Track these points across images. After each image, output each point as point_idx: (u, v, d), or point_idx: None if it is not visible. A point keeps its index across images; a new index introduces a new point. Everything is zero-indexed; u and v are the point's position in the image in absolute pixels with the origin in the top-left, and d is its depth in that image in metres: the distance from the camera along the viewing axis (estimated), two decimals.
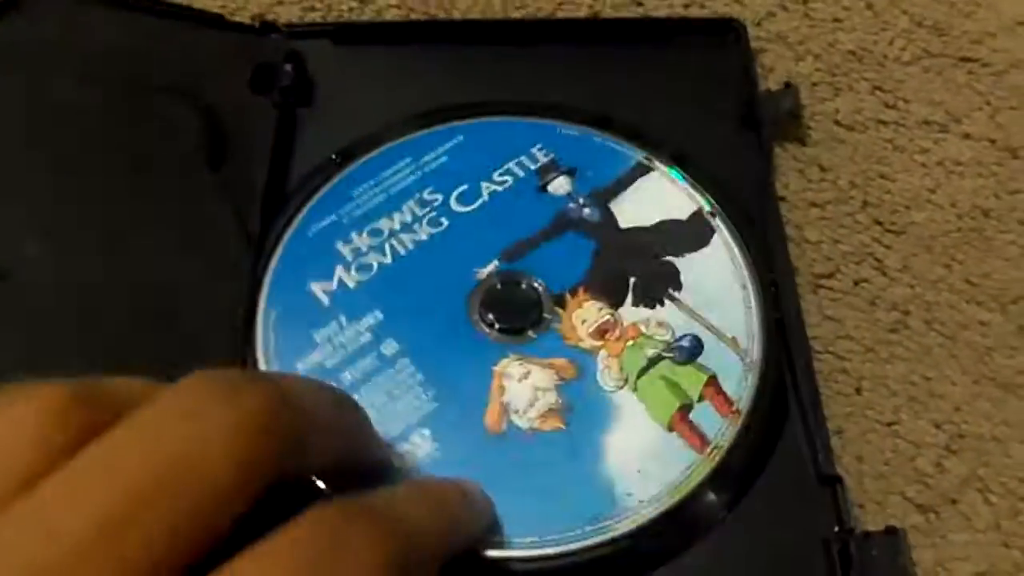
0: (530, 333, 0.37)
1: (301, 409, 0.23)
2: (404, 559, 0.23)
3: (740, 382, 0.36)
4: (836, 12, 0.48)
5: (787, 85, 0.44)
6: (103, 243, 0.38)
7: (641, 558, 0.33)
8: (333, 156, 0.42)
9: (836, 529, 0.34)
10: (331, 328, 0.37)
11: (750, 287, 0.38)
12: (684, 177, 0.41)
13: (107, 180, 0.40)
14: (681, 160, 0.42)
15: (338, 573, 0.21)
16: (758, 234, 0.40)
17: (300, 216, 0.40)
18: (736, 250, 0.39)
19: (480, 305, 0.38)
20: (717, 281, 0.38)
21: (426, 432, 0.35)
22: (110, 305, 0.37)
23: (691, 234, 0.39)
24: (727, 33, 0.46)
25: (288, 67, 0.44)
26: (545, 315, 0.38)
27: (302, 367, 0.36)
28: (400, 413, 0.35)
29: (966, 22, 0.48)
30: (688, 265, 0.39)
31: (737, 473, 0.35)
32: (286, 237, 0.40)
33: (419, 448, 0.35)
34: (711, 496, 0.34)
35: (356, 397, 0.33)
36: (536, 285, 0.38)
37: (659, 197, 0.40)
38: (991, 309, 0.40)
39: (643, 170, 0.41)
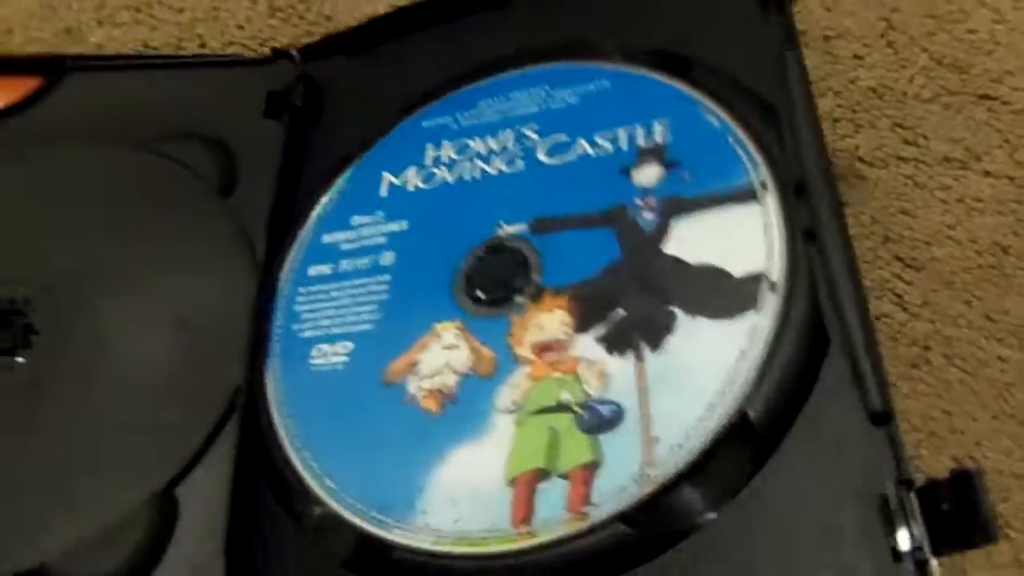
0: (517, 299, 0.36)
1: None
2: None
3: (619, 490, 0.30)
4: (857, 49, 0.48)
5: None
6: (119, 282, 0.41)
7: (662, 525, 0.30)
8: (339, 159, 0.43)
9: (896, 479, 0.28)
10: (366, 218, 0.40)
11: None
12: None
13: (129, 223, 0.43)
14: (677, 62, 0.39)
15: None
16: (782, 125, 0.35)
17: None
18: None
19: (465, 269, 0.37)
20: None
21: (349, 345, 0.36)
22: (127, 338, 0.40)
23: (728, 295, 0.32)
24: None
25: (299, 89, 0.44)
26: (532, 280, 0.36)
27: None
28: (347, 318, 0.37)
29: (986, 60, 0.48)
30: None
31: (765, 422, 0.30)
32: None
33: (334, 354, 0.36)
34: (735, 453, 0.30)
35: (330, 287, 0.38)
36: (523, 251, 0.36)
37: (734, 236, 0.33)
38: (1010, 346, 0.40)
39: (747, 196, 0.34)
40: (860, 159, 0.45)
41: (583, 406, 0.32)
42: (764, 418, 0.30)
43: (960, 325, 0.41)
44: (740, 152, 0.35)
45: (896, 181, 0.44)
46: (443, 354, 0.35)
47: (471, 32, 0.44)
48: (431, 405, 0.34)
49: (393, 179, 0.41)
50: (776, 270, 0.32)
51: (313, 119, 0.44)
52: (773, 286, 0.32)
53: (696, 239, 0.34)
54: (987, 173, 0.45)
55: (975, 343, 0.40)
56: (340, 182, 0.42)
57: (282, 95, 0.44)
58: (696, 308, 0.32)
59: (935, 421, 0.38)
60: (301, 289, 0.39)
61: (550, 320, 0.34)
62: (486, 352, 0.35)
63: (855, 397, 0.29)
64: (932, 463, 0.38)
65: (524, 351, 0.34)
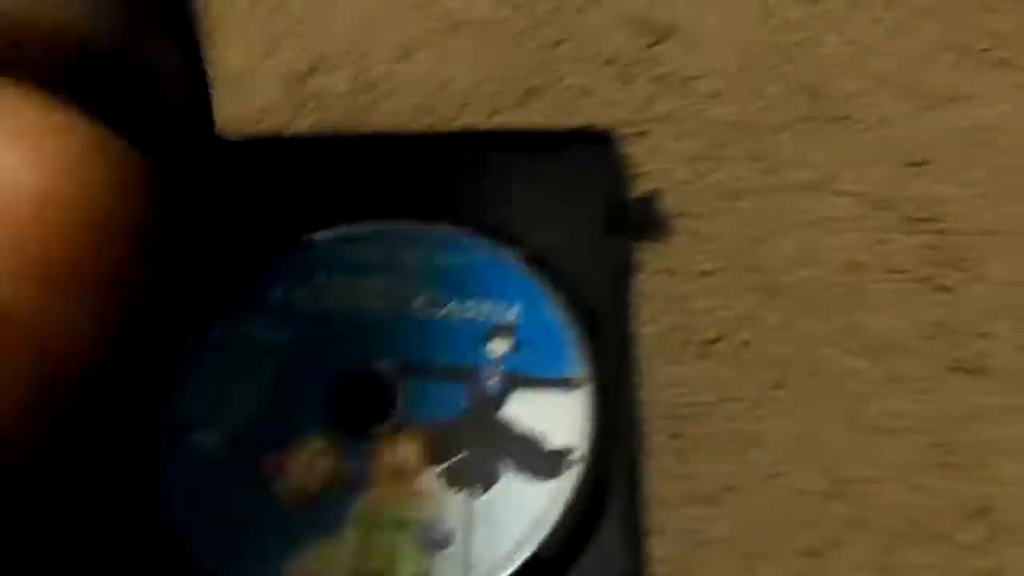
0: (381, 426, 0.40)
1: None
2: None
3: None
4: (716, 86, 0.50)
5: (650, 195, 0.47)
6: None
7: None
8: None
9: None
10: (256, 317, 0.43)
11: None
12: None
13: None
14: (539, 261, 0.44)
15: None
16: (602, 334, 0.42)
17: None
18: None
19: (340, 390, 0.41)
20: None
21: (226, 431, 0.40)
22: None
23: (543, 461, 0.39)
24: (598, 143, 0.47)
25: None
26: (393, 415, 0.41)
27: None
28: (230, 405, 0.41)
29: (838, 83, 0.50)
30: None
31: (554, 563, 0.38)
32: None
33: (208, 436, 0.40)
34: None
35: (215, 372, 0.41)
36: (391, 387, 0.41)
37: (555, 415, 0.40)
38: (865, 358, 0.42)
39: (570, 385, 0.41)
40: (721, 193, 0.47)
41: (421, 526, 0.38)
42: (554, 559, 0.38)
43: (818, 343, 0.43)
44: (571, 349, 0.41)
45: (756, 211, 0.47)
46: (311, 460, 0.39)
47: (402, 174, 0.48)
48: (296, 503, 0.39)
49: (287, 289, 0.44)
50: (581, 449, 0.39)
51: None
52: (578, 460, 0.39)
53: (526, 410, 0.40)
54: (840, 193, 0.47)
55: (832, 359, 0.43)
56: (237, 275, 0.44)
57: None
58: (518, 466, 0.39)
59: (797, 439, 0.41)
60: (185, 365, 0.42)
61: (406, 450, 0.40)
62: (348, 466, 0.39)
63: (620, 553, 0.38)
64: (796, 478, 0.40)
65: (380, 472, 0.39)
